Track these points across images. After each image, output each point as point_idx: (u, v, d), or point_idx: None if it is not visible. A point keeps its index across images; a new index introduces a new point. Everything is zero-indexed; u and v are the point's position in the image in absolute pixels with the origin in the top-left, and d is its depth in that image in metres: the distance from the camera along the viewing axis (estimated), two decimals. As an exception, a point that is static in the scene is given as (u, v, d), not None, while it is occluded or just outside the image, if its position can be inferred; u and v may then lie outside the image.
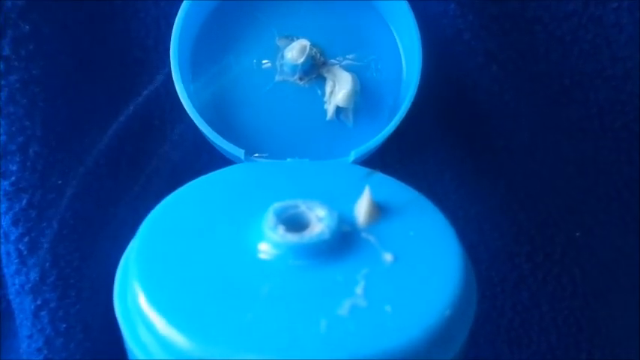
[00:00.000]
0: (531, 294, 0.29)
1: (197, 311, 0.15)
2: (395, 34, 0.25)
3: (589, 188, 0.29)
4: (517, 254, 0.29)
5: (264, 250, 0.17)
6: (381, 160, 0.27)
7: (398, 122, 0.24)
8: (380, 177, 0.21)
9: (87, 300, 0.26)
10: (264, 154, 0.24)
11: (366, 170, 0.22)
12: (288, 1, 0.25)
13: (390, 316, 0.15)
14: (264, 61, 0.25)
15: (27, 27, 0.25)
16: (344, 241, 0.17)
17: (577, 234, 0.29)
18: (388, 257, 0.17)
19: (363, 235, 0.18)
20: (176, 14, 0.23)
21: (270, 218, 0.17)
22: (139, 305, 0.15)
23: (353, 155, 0.23)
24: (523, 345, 0.29)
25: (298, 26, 0.25)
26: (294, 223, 0.17)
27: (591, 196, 0.29)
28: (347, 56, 0.25)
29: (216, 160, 0.26)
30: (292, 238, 0.17)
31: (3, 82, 0.24)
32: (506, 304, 0.29)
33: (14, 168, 0.25)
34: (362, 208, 0.18)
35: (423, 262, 0.17)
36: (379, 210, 0.19)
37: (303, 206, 0.18)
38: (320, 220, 0.17)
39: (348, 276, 0.16)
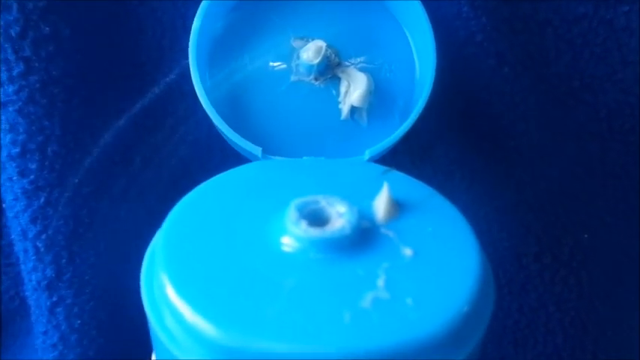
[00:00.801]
0: (538, 295, 0.29)
1: (223, 301, 0.16)
2: (408, 36, 0.25)
3: (597, 190, 0.29)
4: (525, 255, 0.29)
5: (287, 243, 0.17)
6: (393, 159, 0.28)
7: (412, 123, 0.24)
8: (396, 174, 0.21)
9: (101, 297, 0.27)
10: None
11: (382, 168, 0.22)
12: (303, 3, 0.25)
13: (412, 309, 0.15)
14: (279, 62, 0.25)
15: (47, 28, 0.25)
16: (364, 236, 0.18)
17: (585, 236, 0.29)
18: (408, 252, 0.17)
19: (383, 230, 0.18)
20: (192, 15, 0.23)
21: (292, 213, 0.17)
22: (166, 294, 0.16)
23: (367, 155, 0.24)
24: (529, 346, 0.29)
25: (313, 28, 0.25)
26: (316, 218, 0.18)
27: (599, 199, 0.29)
28: (361, 57, 0.25)
29: (228, 158, 0.27)
30: (314, 232, 0.17)
31: (23, 83, 0.25)
32: (513, 305, 0.29)
33: (33, 167, 0.25)
34: (381, 205, 0.19)
35: (441, 258, 0.17)
36: (397, 206, 0.19)
37: (323, 202, 0.18)
38: (340, 216, 0.18)
39: (370, 269, 0.17)
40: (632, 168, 0.28)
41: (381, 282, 0.16)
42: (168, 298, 0.16)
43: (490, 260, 0.28)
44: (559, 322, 0.29)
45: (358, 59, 0.25)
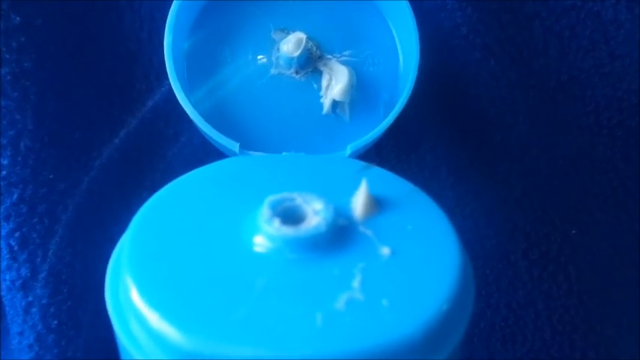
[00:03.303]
0: (526, 292, 0.29)
1: (190, 305, 0.15)
2: (392, 28, 0.25)
3: (585, 186, 0.28)
4: (513, 252, 0.29)
5: (260, 243, 0.17)
6: (378, 155, 0.27)
7: (395, 117, 0.23)
8: (376, 170, 0.21)
9: (79, 296, 0.26)
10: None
11: (362, 164, 0.21)
12: (283, -6, 0.25)
13: (387, 310, 0.15)
14: (259, 55, 0.24)
15: (18, 18, 0.24)
16: (341, 234, 0.17)
17: (573, 232, 0.28)
18: (385, 251, 0.17)
19: (360, 228, 0.18)
20: (171, 5, 0.23)
21: (265, 211, 0.17)
22: (130, 299, 0.15)
23: (349, 150, 0.23)
24: (517, 343, 0.29)
25: (294, 20, 0.25)
26: (290, 216, 0.17)
27: (587, 194, 0.29)
28: (343, 50, 0.25)
29: (215, 158, 0.26)
30: (288, 231, 0.16)
31: None
32: (501, 302, 0.29)
33: (5, 162, 0.25)
34: (359, 202, 0.18)
35: (420, 256, 0.17)
36: (376, 203, 0.18)
37: (299, 199, 0.17)
38: (316, 213, 0.17)
39: (345, 270, 0.16)
40: (621, 163, 0.28)
41: (356, 283, 0.16)
42: (132, 303, 0.15)
43: (478, 257, 0.29)
44: (548, 319, 0.29)
45: (341, 53, 0.25)
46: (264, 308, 0.15)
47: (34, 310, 0.26)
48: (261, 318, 0.15)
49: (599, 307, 0.29)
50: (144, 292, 0.15)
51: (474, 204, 0.28)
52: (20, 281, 0.25)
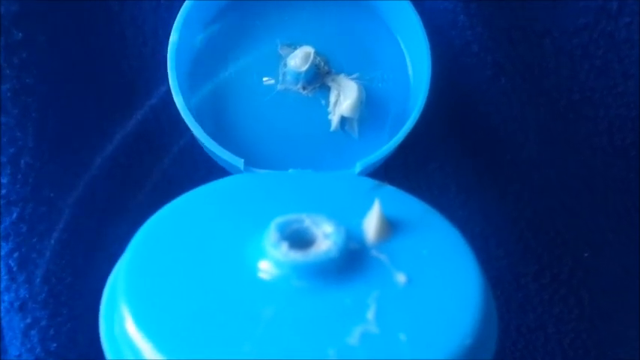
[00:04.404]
0: (537, 315, 0.28)
1: (190, 338, 0.14)
2: (402, 44, 0.25)
3: (598, 207, 0.28)
4: (523, 274, 0.28)
5: (265, 269, 0.16)
6: (386, 172, 0.27)
7: (405, 134, 0.23)
8: (388, 189, 0.20)
9: (79, 318, 0.26)
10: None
11: (373, 182, 0.20)
12: (291, 9, 0.24)
13: (405, 345, 0.14)
14: (265, 70, 0.24)
15: (20, 34, 0.24)
16: (353, 259, 0.16)
17: (585, 254, 0.28)
18: (401, 278, 0.16)
19: (374, 253, 0.17)
20: (175, 20, 0.23)
21: (272, 234, 0.16)
22: (125, 329, 0.14)
23: (358, 167, 0.23)
24: (527, 367, 0.28)
25: (302, 35, 0.24)
26: (299, 239, 0.16)
27: (600, 215, 0.28)
28: (352, 66, 0.24)
29: (217, 175, 0.26)
30: (296, 256, 0.15)
31: None
32: (511, 325, 0.28)
33: (4, 180, 0.25)
34: (372, 224, 0.17)
35: (438, 284, 0.16)
36: (390, 225, 0.18)
37: (307, 221, 0.17)
38: (327, 237, 0.16)
39: (358, 299, 0.15)
40: (634, 183, 0.28)
41: (370, 314, 0.15)
42: (127, 333, 0.14)
43: (487, 278, 0.28)
44: (558, 344, 0.28)
45: (349, 68, 0.24)
46: (270, 343, 0.14)
47: (32, 332, 0.25)
48: (267, 354, 0.14)
49: (611, 332, 0.28)
50: (139, 321, 0.14)
51: (483, 223, 0.28)
52: (19, 302, 0.25)
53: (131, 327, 0.14)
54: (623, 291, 0.28)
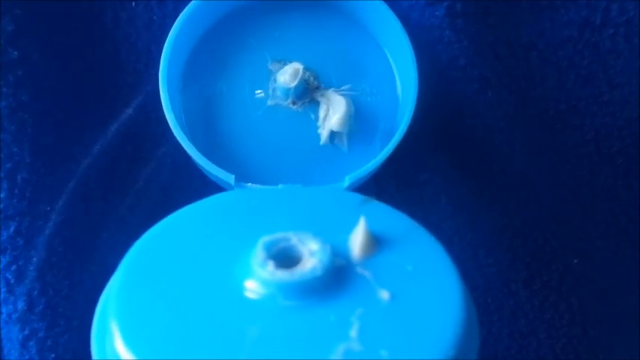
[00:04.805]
0: (528, 322, 0.28)
1: (177, 356, 0.14)
2: (390, 59, 0.25)
3: (586, 214, 0.28)
4: (513, 281, 0.28)
5: (252, 288, 0.16)
6: (376, 185, 0.27)
7: (393, 147, 0.23)
8: (375, 205, 0.20)
9: (76, 329, 0.26)
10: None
11: (360, 197, 0.21)
12: (281, 25, 0.25)
13: None
14: (256, 86, 0.24)
15: (16, 53, 0.24)
16: (337, 277, 0.17)
17: (574, 261, 0.28)
18: (385, 295, 0.16)
19: (358, 269, 0.17)
20: (167, 37, 0.23)
21: (258, 253, 0.16)
22: (115, 348, 0.15)
23: (347, 181, 0.23)
24: (520, 374, 0.29)
25: (291, 51, 0.25)
26: (285, 257, 0.17)
27: (588, 223, 0.28)
28: (341, 81, 0.25)
29: (208, 182, 0.26)
30: (282, 275, 0.16)
31: None
32: (503, 332, 0.28)
33: (2, 195, 0.25)
34: (357, 241, 0.18)
35: (421, 301, 0.16)
36: (375, 242, 0.18)
37: (294, 239, 0.17)
38: (312, 255, 0.17)
39: (342, 317, 0.15)
40: (621, 191, 0.28)
41: (353, 332, 0.15)
42: (117, 353, 0.14)
43: (478, 286, 0.28)
44: (550, 349, 0.28)
45: (338, 83, 0.25)
46: None
47: (30, 343, 0.25)
48: None
49: (602, 337, 0.29)
50: (129, 342, 0.15)
51: (473, 233, 0.28)
52: (17, 314, 0.25)
53: (120, 346, 0.15)
54: (613, 296, 0.29)
